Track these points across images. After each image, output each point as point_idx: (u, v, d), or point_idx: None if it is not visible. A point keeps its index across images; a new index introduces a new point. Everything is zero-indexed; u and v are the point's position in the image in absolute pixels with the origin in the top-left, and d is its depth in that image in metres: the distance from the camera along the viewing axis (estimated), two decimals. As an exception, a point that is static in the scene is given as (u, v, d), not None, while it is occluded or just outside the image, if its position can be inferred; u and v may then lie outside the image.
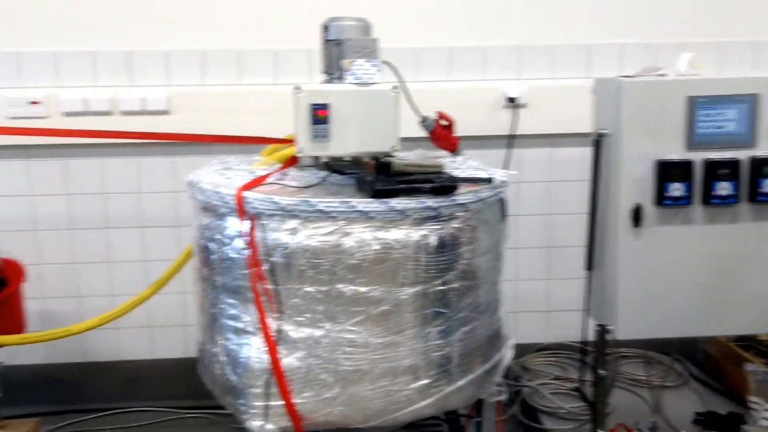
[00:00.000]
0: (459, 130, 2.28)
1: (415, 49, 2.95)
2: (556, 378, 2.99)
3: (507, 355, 2.14)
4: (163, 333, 3.13)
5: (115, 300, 3.05)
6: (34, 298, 2.99)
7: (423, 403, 1.89)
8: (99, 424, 2.95)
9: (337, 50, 2.03)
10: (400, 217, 1.78)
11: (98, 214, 3.01)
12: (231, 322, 1.89)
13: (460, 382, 1.93)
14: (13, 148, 2.93)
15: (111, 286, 3.07)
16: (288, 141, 2.19)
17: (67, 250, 3.03)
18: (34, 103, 2.85)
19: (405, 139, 2.04)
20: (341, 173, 2.04)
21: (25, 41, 2.87)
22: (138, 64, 2.92)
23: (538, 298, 3.24)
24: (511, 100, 2.96)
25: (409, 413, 1.89)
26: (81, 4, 2.88)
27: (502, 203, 2.08)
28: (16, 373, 2.98)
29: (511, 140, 3.00)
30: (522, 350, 2.95)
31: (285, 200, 1.77)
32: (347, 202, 1.77)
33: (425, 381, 1.88)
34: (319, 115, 1.87)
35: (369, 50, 1.97)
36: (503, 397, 2.15)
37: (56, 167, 2.97)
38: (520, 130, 2.99)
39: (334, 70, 2.08)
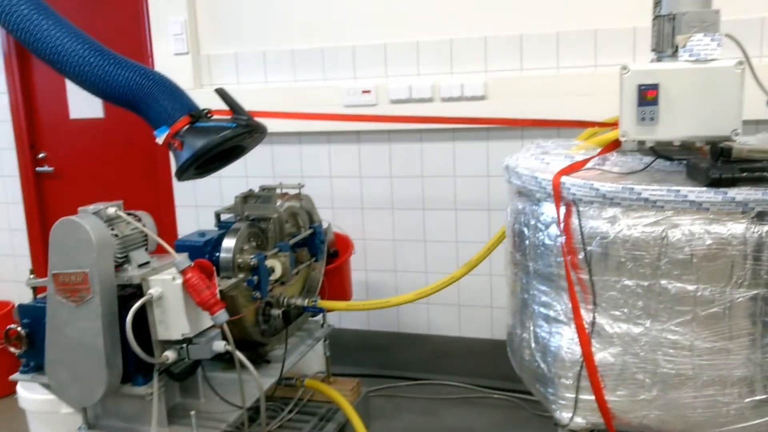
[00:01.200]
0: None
1: (761, 19, 2.60)
2: None
3: None
4: (470, 312, 3.22)
5: (428, 277, 3.22)
6: (359, 269, 3.30)
7: (757, 422, 1.67)
8: (410, 392, 3.15)
9: (671, 25, 1.87)
10: (740, 210, 1.58)
11: (416, 195, 3.20)
12: (542, 309, 1.86)
13: (807, 404, 1.67)
14: (347, 134, 3.24)
15: (425, 263, 3.25)
16: (609, 124, 2.08)
17: (388, 227, 3.27)
18: (365, 92, 3.12)
19: (745, 122, 1.80)
20: (669, 159, 1.88)
21: (358, 35, 3.15)
22: (457, 52, 3.02)
23: None
24: None
25: (737, 430, 1.69)
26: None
27: None
28: (342, 335, 3.33)
29: None
30: None
31: (605, 187, 1.69)
32: (676, 190, 1.62)
33: (762, 396, 1.66)
34: (648, 96, 1.73)
35: (709, 23, 1.78)
36: None
37: (382, 151, 3.22)
38: None
39: (665, 48, 1.91)
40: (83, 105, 3.62)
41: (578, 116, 2.43)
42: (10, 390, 2.53)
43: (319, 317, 2.76)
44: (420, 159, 3.17)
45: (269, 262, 2.33)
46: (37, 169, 3.81)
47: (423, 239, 3.24)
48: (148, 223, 2.06)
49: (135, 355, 1.89)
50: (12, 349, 2.02)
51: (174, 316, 1.91)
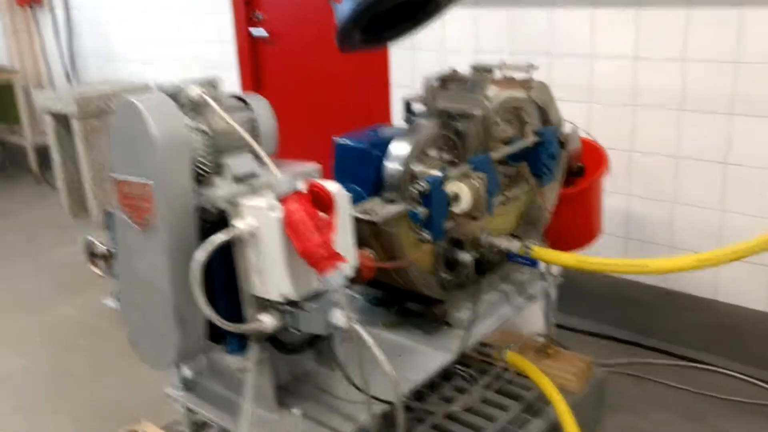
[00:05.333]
0: None
1: None
2: None
3: None
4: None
5: (725, 218, 2.17)
6: (617, 193, 2.33)
7: None
8: (670, 377, 2.20)
9: None
10: None
11: (722, 91, 2.09)
12: None
13: None
14: None
15: (722, 195, 2.17)
16: None
17: (670, 136, 2.23)
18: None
19: None
20: None
21: None
22: None
23: None
24: None
25: None
26: None
27: None
28: (576, 274, 2.41)
29: None
30: None
31: None
32: None
33: None
34: None
35: None
36: None
37: (673, 19, 2.13)
38: None
39: None
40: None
41: None
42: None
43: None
44: (736, 35, 2.03)
45: (452, 187, 1.50)
46: (252, 32, 3.32)
47: (723, 160, 2.14)
48: (261, 114, 1.35)
49: (229, 309, 1.25)
50: (94, 269, 1.50)
51: (271, 266, 1.21)
